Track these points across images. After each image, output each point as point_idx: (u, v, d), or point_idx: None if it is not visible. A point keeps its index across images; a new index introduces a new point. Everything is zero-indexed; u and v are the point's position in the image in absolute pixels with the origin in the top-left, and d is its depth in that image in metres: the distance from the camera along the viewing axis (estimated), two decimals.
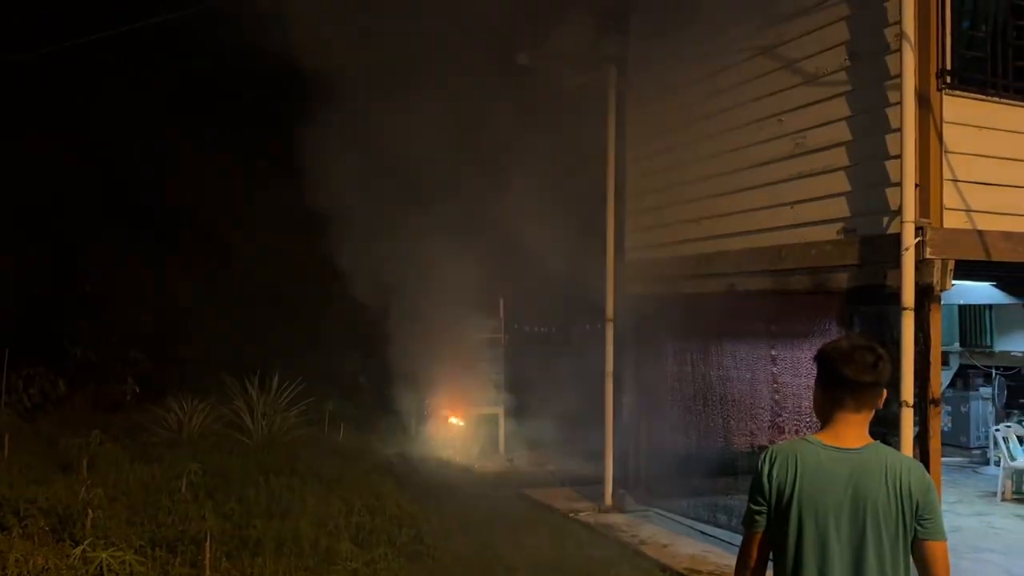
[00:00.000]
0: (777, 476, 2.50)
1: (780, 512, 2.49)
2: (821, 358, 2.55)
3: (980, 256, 5.60)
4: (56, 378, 11.17)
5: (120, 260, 12.52)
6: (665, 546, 7.13)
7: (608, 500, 8.47)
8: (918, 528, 2.43)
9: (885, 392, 2.54)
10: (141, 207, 13.16)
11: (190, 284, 12.41)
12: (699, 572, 6.43)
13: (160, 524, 6.39)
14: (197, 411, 9.90)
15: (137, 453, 8.59)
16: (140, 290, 12.63)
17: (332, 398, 11.47)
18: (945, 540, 2.47)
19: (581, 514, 8.21)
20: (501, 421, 11.63)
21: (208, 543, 5.76)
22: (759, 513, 2.54)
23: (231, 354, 11.57)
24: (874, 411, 2.52)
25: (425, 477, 9.00)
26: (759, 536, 2.56)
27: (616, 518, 8.09)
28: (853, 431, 2.50)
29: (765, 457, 2.56)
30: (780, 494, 2.49)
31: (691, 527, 7.58)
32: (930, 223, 5.42)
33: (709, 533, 7.33)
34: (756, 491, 2.55)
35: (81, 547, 5.50)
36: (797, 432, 6.43)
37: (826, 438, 2.51)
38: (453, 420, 11.56)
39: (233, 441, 9.55)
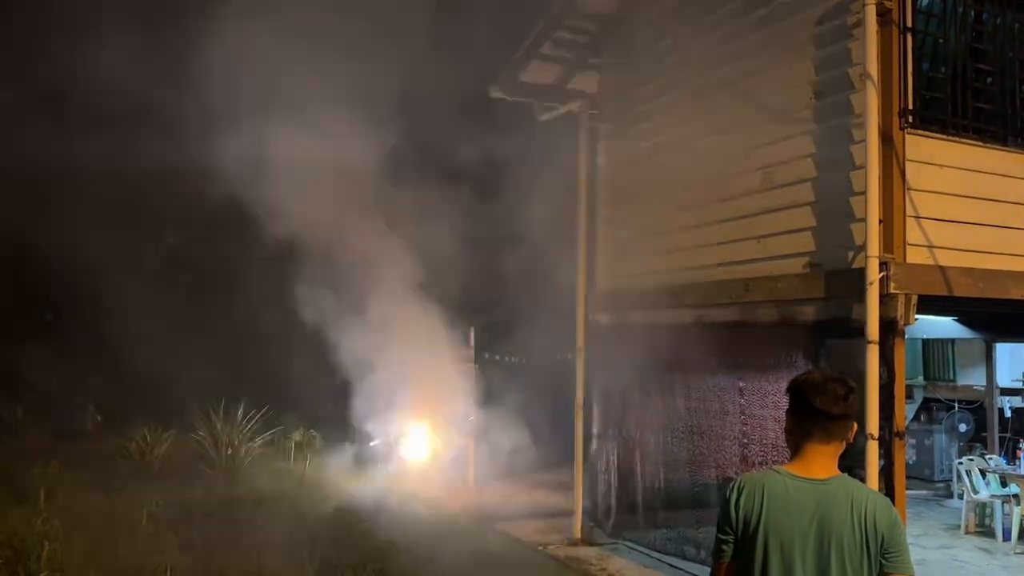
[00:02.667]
0: (744, 506, 2.52)
1: (746, 542, 2.51)
2: (793, 389, 2.58)
3: (942, 291, 5.70)
4: (14, 405, 10.90)
5: (82, 285, 12.29)
6: None
7: (577, 533, 8.42)
8: (884, 562, 2.44)
9: (855, 425, 2.57)
10: (107, 230, 12.97)
11: (155, 312, 12.22)
12: None
13: (119, 557, 6.23)
14: (160, 440, 9.72)
15: (97, 483, 8.40)
16: (103, 317, 12.40)
17: (298, 428, 11.32)
18: (912, 575, 2.49)
19: (550, 547, 8.14)
20: (470, 451, 11.54)
21: None
22: (726, 543, 2.56)
23: (196, 383, 11.38)
24: (844, 444, 2.54)
25: (392, 508, 8.88)
26: (726, 565, 2.58)
27: (585, 551, 8.03)
28: (822, 462, 2.52)
29: (733, 487, 2.58)
30: (747, 524, 2.50)
31: (660, 559, 7.55)
32: (894, 258, 5.50)
33: (678, 566, 7.31)
34: (723, 521, 2.57)
35: None
36: (764, 464, 6.46)
37: (794, 469, 2.53)
38: (421, 450, 11.45)
39: (197, 471, 9.37)
